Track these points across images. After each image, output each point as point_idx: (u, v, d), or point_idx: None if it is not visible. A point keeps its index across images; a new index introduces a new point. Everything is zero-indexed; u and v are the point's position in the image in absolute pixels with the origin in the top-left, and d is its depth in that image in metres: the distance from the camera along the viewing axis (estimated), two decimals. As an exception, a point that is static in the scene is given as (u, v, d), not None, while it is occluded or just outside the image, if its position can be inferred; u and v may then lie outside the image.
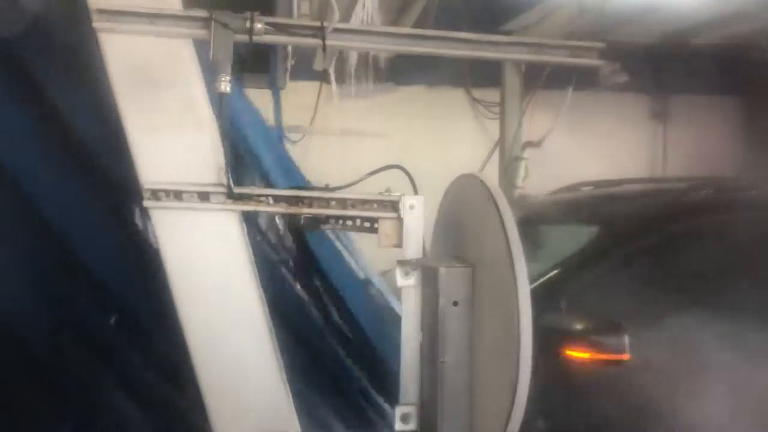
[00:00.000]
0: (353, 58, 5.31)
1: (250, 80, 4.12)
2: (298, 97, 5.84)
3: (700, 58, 6.55)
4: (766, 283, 2.91)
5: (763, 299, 2.83)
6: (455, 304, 1.67)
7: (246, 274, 1.82)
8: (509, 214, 1.53)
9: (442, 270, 1.66)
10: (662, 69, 6.58)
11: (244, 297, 1.83)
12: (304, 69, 5.08)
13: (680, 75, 6.69)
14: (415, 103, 6.73)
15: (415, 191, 1.84)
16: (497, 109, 6.57)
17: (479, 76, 6.65)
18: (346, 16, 2.70)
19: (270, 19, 1.70)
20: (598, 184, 3.56)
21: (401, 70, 6.55)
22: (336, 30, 1.71)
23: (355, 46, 1.77)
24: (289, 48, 4.04)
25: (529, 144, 5.65)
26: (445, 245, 1.90)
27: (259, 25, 1.67)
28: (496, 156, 6.65)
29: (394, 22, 5.93)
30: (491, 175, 6.37)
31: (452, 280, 1.66)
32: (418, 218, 1.78)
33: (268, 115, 5.88)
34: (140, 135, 1.73)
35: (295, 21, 1.74)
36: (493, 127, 6.74)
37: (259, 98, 5.35)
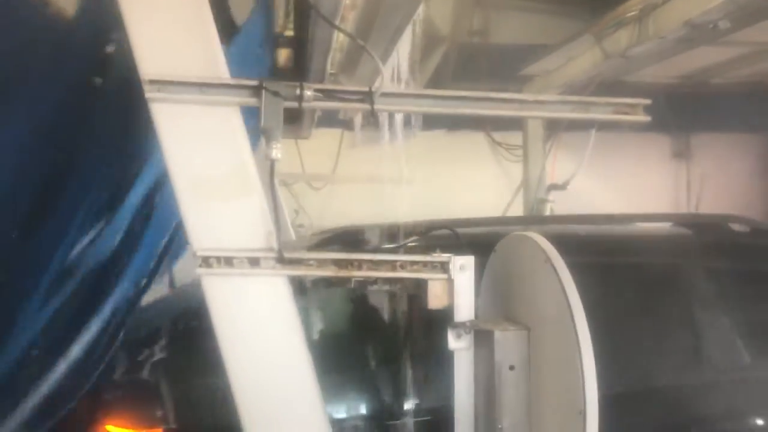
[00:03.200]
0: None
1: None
2: (321, 145, 5.89)
3: (720, 97, 6.56)
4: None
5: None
6: (511, 368, 1.65)
7: (294, 337, 1.80)
8: (568, 277, 1.51)
9: (498, 333, 1.64)
10: (683, 108, 6.58)
11: (293, 359, 1.80)
12: (326, 117, 5.14)
13: (701, 114, 6.69)
14: (436, 147, 6.76)
15: (463, 252, 1.83)
16: (519, 152, 6.59)
17: (499, 119, 6.68)
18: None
19: (319, 86, 1.72)
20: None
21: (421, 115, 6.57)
22: (384, 94, 1.72)
23: (401, 108, 1.78)
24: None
25: (554, 186, 5.64)
26: (494, 304, 1.88)
27: (308, 92, 1.69)
28: (518, 198, 6.65)
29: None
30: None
31: (508, 343, 1.64)
32: (468, 279, 1.76)
33: (293, 163, 5.95)
34: (192, 202, 1.73)
35: (343, 87, 1.76)
36: (515, 170, 6.75)
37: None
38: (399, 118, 2.87)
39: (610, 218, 3.55)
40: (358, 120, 5.43)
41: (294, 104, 1.70)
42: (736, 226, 3.25)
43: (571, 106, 1.83)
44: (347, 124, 6.15)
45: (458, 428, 1.79)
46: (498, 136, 6.93)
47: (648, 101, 1.84)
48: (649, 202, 6.89)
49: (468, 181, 6.72)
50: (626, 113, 1.84)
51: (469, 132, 6.85)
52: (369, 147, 6.26)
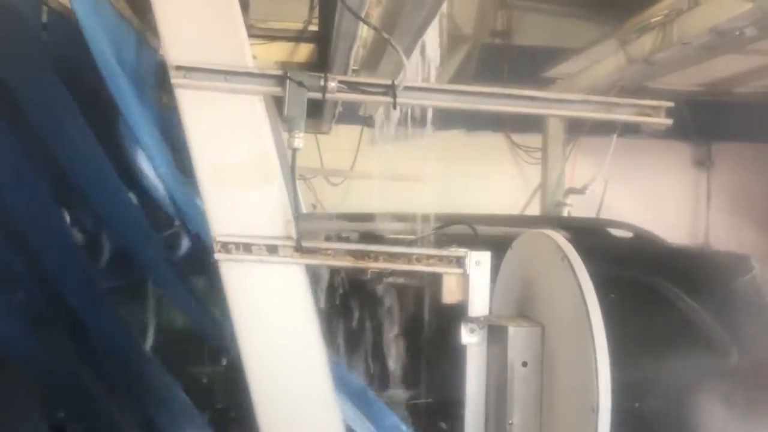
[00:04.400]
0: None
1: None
2: (340, 141, 5.92)
3: (743, 106, 6.51)
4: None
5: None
6: (524, 364, 1.65)
7: (309, 326, 1.82)
8: (585, 275, 1.52)
9: (511, 329, 1.65)
10: (705, 117, 6.53)
11: (307, 348, 1.82)
12: (346, 113, 5.17)
13: (723, 123, 6.64)
14: (455, 147, 6.75)
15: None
16: (537, 155, 6.57)
17: (519, 121, 6.67)
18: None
19: (342, 78, 1.73)
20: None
21: (441, 115, 6.54)
22: (407, 88, 1.73)
23: (424, 103, 1.79)
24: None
25: (572, 190, 5.62)
26: (509, 302, 1.88)
27: (332, 84, 1.70)
28: (535, 201, 6.63)
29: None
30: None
31: (522, 339, 1.65)
32: (484, 274, 1.77)
33: (312, 158, 5.98)
34: (213, 188, 1.75)
35: (366, 79, 1.77)
36: (533, 173, 6.73)
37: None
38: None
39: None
40: (378, 117, 5.45)
41: (318, 95, 1.71)
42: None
43: (593, 106, 1.83)
44: (367, 121, 6.16)
45: (468, 423, 1.79)
46: (517, 138, 6.92)
47: (671, 104, 1.83)
48: (668, 210, 6.85)
49: (485, 181, 6.72)
50: (648, 115, 1.84)
51: (489, 133, 6.84)
52: (388, 145, 6.29)
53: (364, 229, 3.39)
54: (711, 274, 2.89)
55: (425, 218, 3.13)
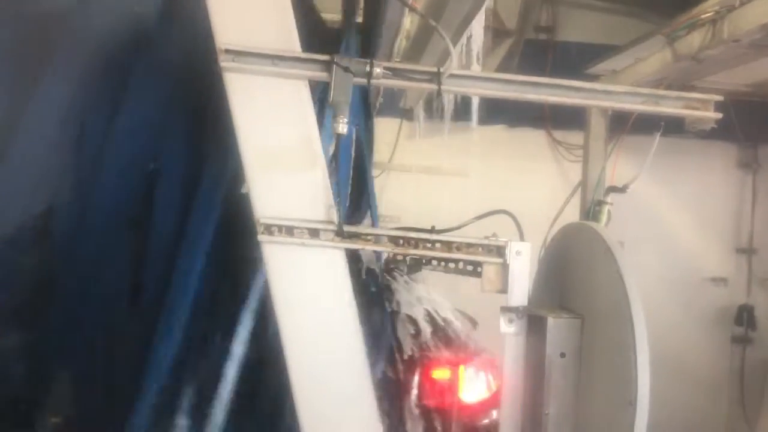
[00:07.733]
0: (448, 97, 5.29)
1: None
2: (379, 134, 5.92)
3: (793, 108, 6.32)
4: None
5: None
6: (562, 355, 1.65)
7: (347, 309, 1.84)
8: (628, 268, 1.50)
9: (551, 320, 1.64)
10: (752, 118, 6.36)
11: (344, 330, 1.85)
12: (386, 106, 5.18)
13: (772, 125, 6.46)
14: (496, 142, 6.71)
15: (521, 237, 1.83)
16: (578, 152, 6.48)
17: (560, 118, 6.59)
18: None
19: (388, 64, 1.75)
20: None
21: (482, 109, 6.54)
22: (452, 76, 1.73)
23: (468, 91, 1.79)
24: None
25: (614, 189, 5.53)
26: (548, 293, 1.87)
27: (378, 70, 1.71)
28: (574, 199, 6.55)
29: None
30: (572, 218, 6.28)
31: (561, 330, 1.64)
32: (524, 265, 1.77)
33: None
34: (258, 171, 1.79)
35: (412, 66, 1.77)
36: (573, 170, 6.64)
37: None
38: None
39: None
40: (419, 110, 5.44)
41: (363, 81, 1.73)
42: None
43: (639, 98, 1.82)
44: (406, 114, 6.17)
45: (503, 412, 1.80)
46: (558, 135, 6.83)
47: (720, 97, 1.80)
48: (711, 212, 6.71)
49: (524, 178, 6.66)
50: (696, 109, 1.81)
51: (530, 129, 6.77)
52: (427, 138, 6.28)
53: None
54: None
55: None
